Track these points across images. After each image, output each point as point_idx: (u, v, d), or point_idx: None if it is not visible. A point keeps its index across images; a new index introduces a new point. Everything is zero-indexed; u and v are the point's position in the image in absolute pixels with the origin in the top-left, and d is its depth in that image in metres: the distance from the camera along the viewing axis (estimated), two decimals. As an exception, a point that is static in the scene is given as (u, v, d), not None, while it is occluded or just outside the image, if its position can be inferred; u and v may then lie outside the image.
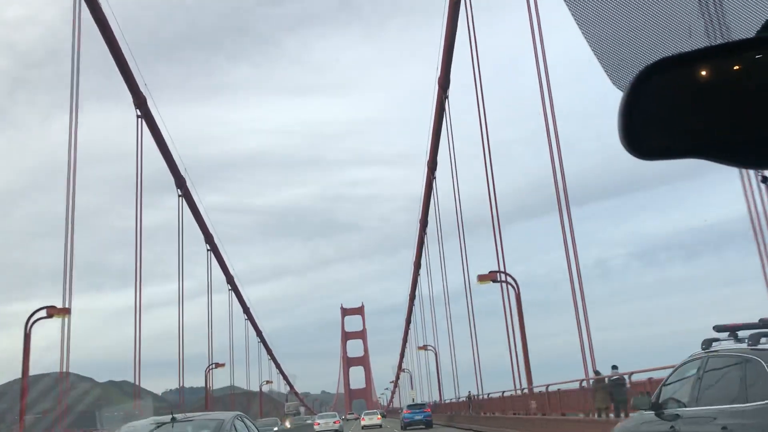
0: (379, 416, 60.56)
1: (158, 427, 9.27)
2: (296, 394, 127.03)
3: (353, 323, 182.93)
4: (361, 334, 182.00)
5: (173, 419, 9.30)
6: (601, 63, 1.49)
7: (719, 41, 1.50)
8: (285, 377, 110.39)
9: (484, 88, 40.36)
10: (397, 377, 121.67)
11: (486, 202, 39.56)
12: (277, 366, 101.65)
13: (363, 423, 57.93)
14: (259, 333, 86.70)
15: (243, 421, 10.10)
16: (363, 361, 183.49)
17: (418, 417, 47.93)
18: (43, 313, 35.16)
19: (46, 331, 37.85)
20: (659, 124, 1.52)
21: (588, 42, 1.48)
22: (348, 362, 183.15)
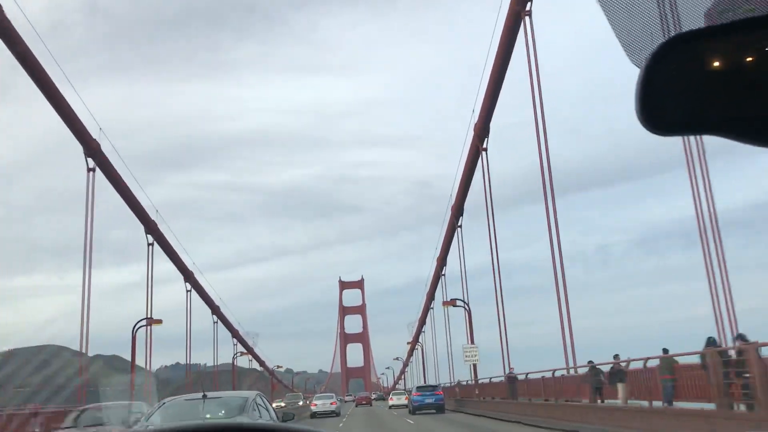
0: (407, 397, 63.18)
1: (193, 403, 11.70)
2: (266, 368, 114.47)
3: (352, 298, 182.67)
4: (361, 309, 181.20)
5: (204, 396, 11.56)
6: (619, 39, 1.61)
7: (738, 17, 1.61)
8: (253, 354, 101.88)
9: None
10: (412, 348, 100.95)
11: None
12: (245, 345, 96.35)
13: (391, 402, 63.02)
14: (223, 319, 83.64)
15: (262, 399, 12.60)
16: (362, 337, 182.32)
17: (428, 400, 45.98)
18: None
19: (43, 306, 39.29)
20: (676, 99, 1.64)
21: (607, 17, 1.60)
22: (345, 339, 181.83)
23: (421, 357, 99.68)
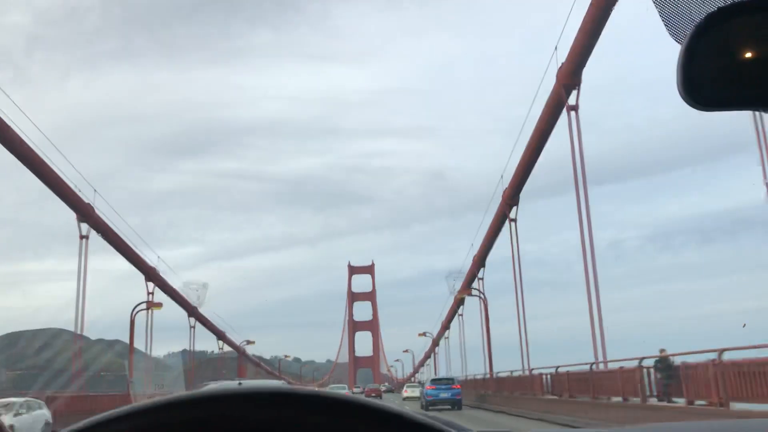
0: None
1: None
2: (227, 341, 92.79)
3: (361, 285, 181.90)
4: (370, 296, 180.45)
5: (240, 384, 13.14)
6: (661, 14, 1.67)
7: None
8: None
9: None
10: (452, 313, 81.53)
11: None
12: (222, 337, 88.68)
13: (405, 395, 66.14)
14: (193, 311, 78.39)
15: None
16: (371, 325, 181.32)
17: (444, 395, 44.60)
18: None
19: (53, 291, 40.77)
20: (719, 74, 1.70)
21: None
22: (354, 326, 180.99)
23: (487, 332, 77.12)
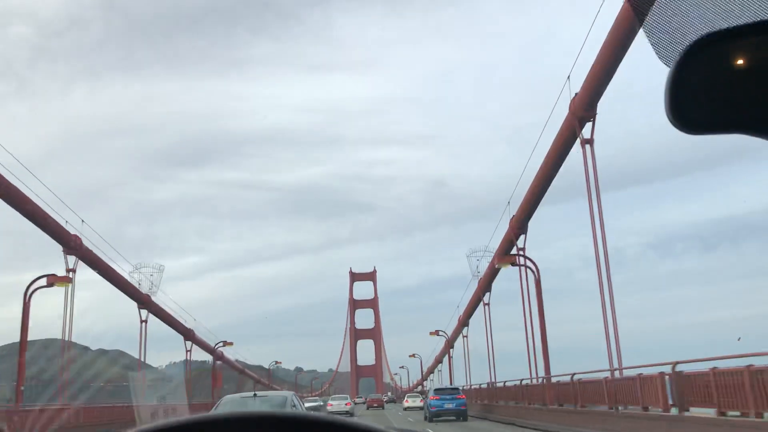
0: (422, 399, 63.45)
1: (246, 400, 16.02)
2: (194, 338, 75.74)
3: (363, 292, 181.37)
4: (373, 303, 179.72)
5: (255, 395, 16.27)
6: (649, 38, 1.71)
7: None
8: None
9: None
10: (465, 319, 73.71)
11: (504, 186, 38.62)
12: (190, 337, 75.15)
13: (406, 404, 68.83)
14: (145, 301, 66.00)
15: (296, 398, 16.85)
16: (373, 333, 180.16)
17: (448, 405, 43.20)
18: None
19: (52, 299, 40.92)
20: (707, 98, 1.74)
21: (637, 16, 1.69)
22: (356, 335, 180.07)
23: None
